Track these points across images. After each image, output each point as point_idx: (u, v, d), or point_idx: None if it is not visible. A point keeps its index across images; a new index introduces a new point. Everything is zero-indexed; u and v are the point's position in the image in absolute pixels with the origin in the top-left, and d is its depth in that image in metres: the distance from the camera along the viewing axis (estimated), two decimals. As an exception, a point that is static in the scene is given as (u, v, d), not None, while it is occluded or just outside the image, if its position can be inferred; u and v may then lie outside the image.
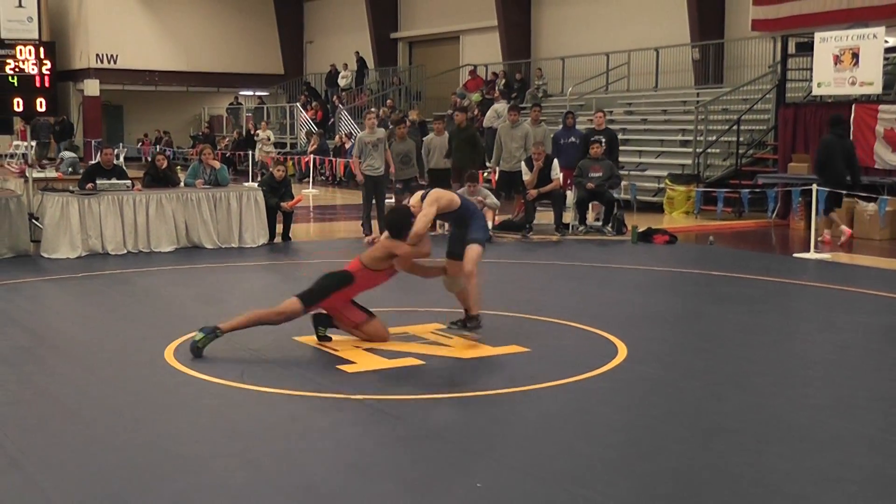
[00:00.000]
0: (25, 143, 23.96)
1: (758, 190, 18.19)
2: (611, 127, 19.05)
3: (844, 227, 15.40)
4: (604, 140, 17.44)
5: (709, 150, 21.29)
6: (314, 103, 36.46)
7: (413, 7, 37.23)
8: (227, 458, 5.78)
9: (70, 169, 27.74)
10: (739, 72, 24.46)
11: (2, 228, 13.90)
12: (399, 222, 8.62)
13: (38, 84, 15.12)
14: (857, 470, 5.58)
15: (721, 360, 8.26)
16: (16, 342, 8.82)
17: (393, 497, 5.19)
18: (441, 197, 8.74)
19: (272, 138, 31.43)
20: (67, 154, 30.72)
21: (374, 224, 16.19)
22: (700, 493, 5.27)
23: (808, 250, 14.14)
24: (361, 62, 37.42)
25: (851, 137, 16.88)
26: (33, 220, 14.60)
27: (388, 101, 33.27)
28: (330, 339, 8.56)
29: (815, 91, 18.82)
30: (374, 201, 16.23)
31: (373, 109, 20.02)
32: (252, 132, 33.15)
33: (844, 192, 15.31)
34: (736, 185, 19.14)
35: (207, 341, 8.07)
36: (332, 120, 34.87)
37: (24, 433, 6.25)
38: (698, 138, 21.50)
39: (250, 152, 30.82)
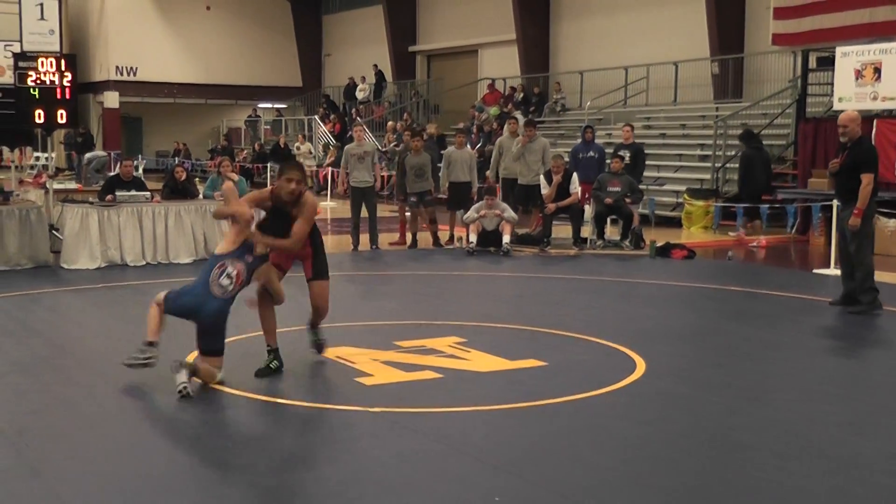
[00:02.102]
0: (46, 155, 24.07)
1: (777, 205, 18.13)
2: (636, 141, 18.96)
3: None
4: (629, 154, 17.41)
5: (728, 165, 21.23)
6: (332, 116, 36.54)
7: (431, 20, 37.29)
8: (245, 471, 5.78)
9: (97, 169, 27.89)
10: (759, 86, 24.41)
11: (22, 239, 13.96)
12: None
13: (59, 96, 15.22)
14: (877, 489, 5.54)
15: (740, 375, 8.22)
16: (35, 352, 8.85)
17: (411, 510, 5.18)
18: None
19: (312, 152, 31.35)
20: (98, 154, 30.84)
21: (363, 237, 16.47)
22: (719, 510, 5.25)
23: (828, 266, 14.08)
24: (380, 75, 37.49)
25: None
26: (53, 231, 14.66)
27: (406, 114, 33.30)
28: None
29: (837, 106, 18.73)
30: (361, 213, 16.52)
31: (360, 121, 20.13)
32: (283, 145, 32.91)
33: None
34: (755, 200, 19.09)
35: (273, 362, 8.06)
36: (349, 133, 34.90)
37: (44, 442, 6.27)
38: (717, 153, 21.46)
39: (268, 165, 30.85)
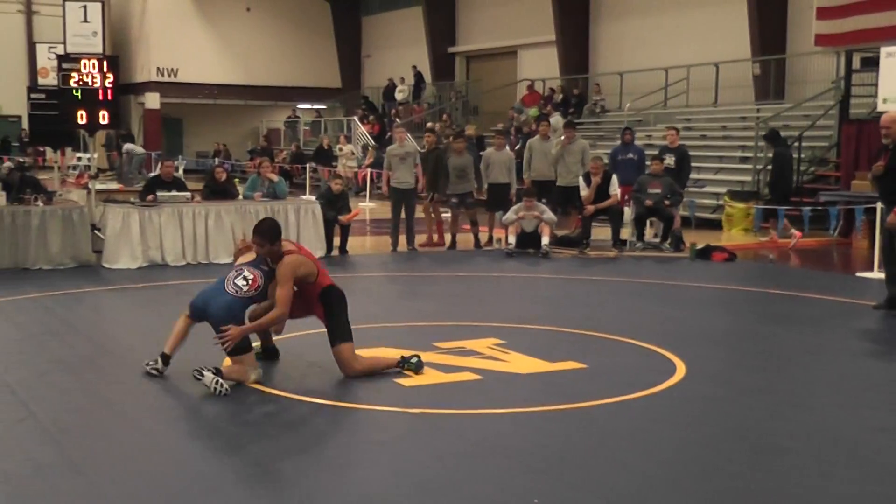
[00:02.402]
0: (88, 155, 24.31)
1: (819, 208, 17.99)
2: (681, 143, 18.82)
3: (795, 231, 17.04)
4: (674, 158, 17.34)
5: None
6: (371, 117, 36.61)
7: (471, 21, 37.28)
8: (283, 471, 5.79)
9: (135, 162, 28.15)
10: (801, 87, 24.22)
11: (65, 239, 14.07)
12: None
13: (101, 97, 15.36)
14: (923, 494, 5.49)
15: (781, 379, 8.16)
16: (78, 351, 8.93)
17: (450, 512, 5.18)
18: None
19: (355, 153, 31.38)
20: (136, 150, 31.11)
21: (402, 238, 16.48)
22: (761, 515, 5.21)
23: (871, 269, 13.94)
24: (419, 76, 37.53)
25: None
26: (95, 231, 14.76)
27: (445, 115, 33.30)
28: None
29: (881, 107, 18.53)
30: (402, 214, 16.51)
31: (398, 122, 20.13)
32: (326, 146, 32.89)
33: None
34: (797, 202, 18.94)
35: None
36: (389, 134, 34.97)
37: (87, 440, 6.32)
38: (758, 154, 21.30)
39: (308, 166, 30.91)
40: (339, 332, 7.90)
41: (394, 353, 8.24)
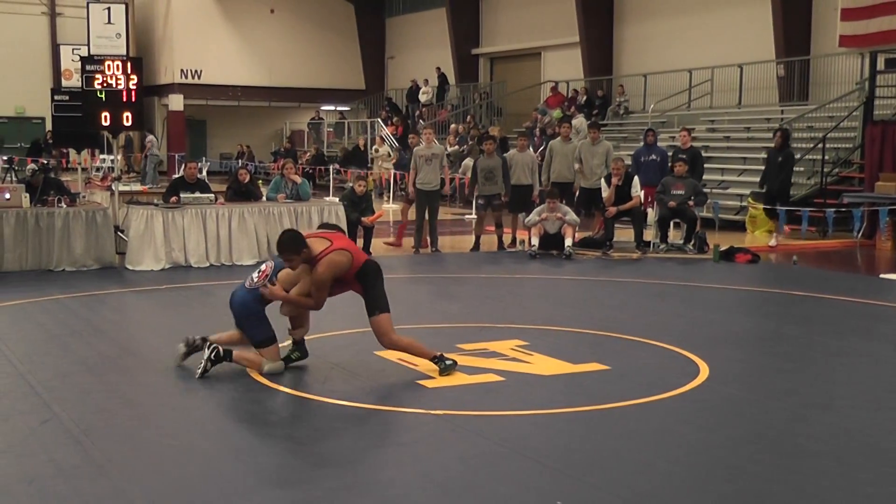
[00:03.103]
0: (111, 157, 24.41)
1: (843, 209, 17.89)
2: (694, 145, 18.79)
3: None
4: (687, 159, 17.30)
5: (793, 169, 20.97)
6: (395, 119, 36.63)
7: (495, 23, 37.25)
8: (306, 471, 5.80)
9: (155, 161, 28.34)
10: (825, 89, 24.11)
11: (88, 240, 14.14)
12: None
13: (124, 99, 15.38)
14: (948, 497, 5.45)
15: (805, 382, 8.11)
16: (101, 352, 8.96)
17: (472, 514, 5.17)
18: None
19: (392, 155, 31.40)
20: (153, 152, 31.41)
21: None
22: (784, 517, 5.19)
23: (895, 271, 13.86)
24: (443, 78, 37.52)
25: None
26: (119, 233, 14.84)
27: (469, 117, 33.29)
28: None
29: (906, 108, 18.49)
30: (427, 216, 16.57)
31: (423, 123, 20.10)
32: (362, 147, 32.81)
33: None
34: (821, 203, 18.85)
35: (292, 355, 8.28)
36: (411, 135, 34.96)
37: (110, 442, 6.34)
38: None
39: (331, 167, 30.93)
40: (377, 302, 7.97)
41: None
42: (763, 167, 19.35)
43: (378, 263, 8.24)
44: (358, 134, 38.19)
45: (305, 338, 8.38)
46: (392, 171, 28.02)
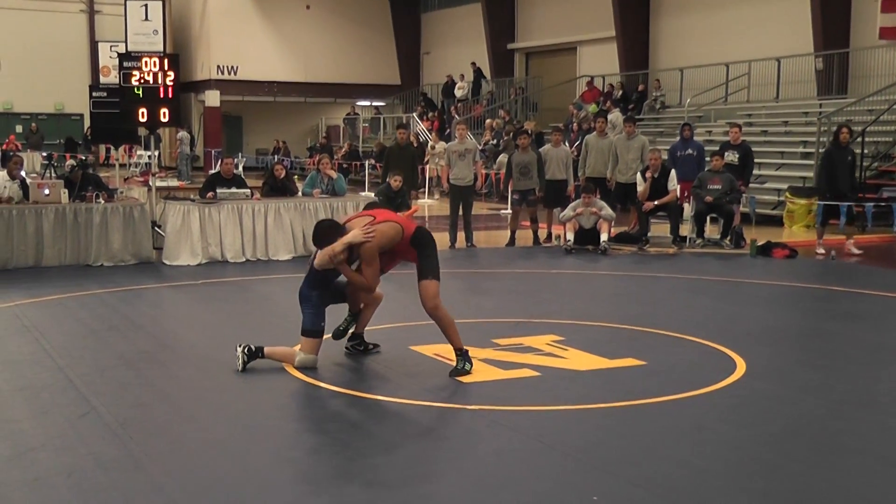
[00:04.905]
0: (149, 153, 24.58)
1: (882, 204, 17.71)
2: (745, 139, 18.44)
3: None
4: (738, 155, 17.14)
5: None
6: (430, 114, 36.61)
7: (530, 18, 37.17)
8: (341, 467, 5.81)
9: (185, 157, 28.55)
10: (865, 82, 23.87)
11: (126, 236, 14.23)
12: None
13: (161, 95, 15.48)
14: None
15: (844, 378, 8.04)
16: (139, 347, 9.02)
17: (508, 509, 5.16)
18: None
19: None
20: (185, 136, 31.60)
21: (460, 234, 16.49)
22: (823, 514, 5.15)
23: (935, 266, 13.72)
24: (478, 73, 37.47)
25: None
26: (156, 228, 14.92)
27: (501, 111, 33.18)
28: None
29: (946, 102, 18.27)
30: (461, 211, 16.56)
31: (458, 118, 20.04)
32: (415, 143, 32.66)
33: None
34: (860, 198, 18.68)
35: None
36: (448, 130, 34.95)
37: (147, 436, 6.38)
38: (820, 150, 21.02)
39: (366, 163, 30.91)
40: (428, 269, 8.02)
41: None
42: (809, 162, 19.21)
43: (430, 232, 8.29)
44: (394, 129, 38.10)
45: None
46: (445, 167, 27.92)
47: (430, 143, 31.28)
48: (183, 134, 34.27)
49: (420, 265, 8.04)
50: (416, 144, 30.13)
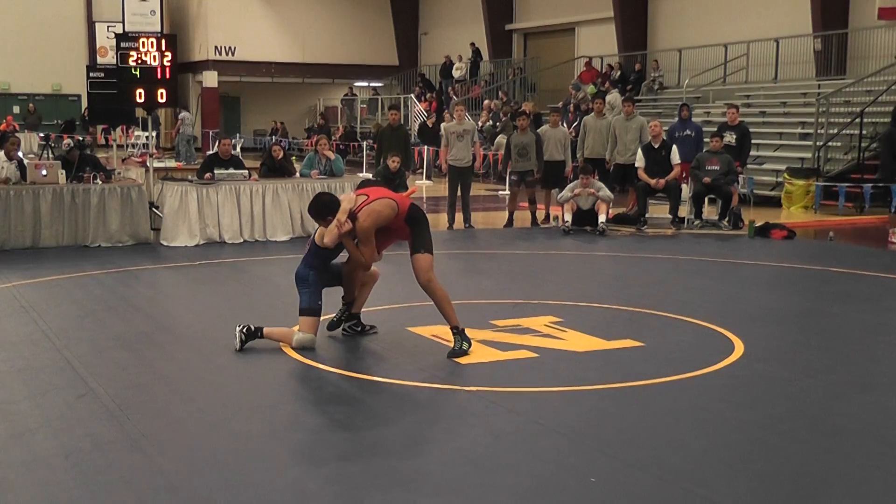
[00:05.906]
0: (147, 133, 24.52)
1: (881, 185, 17.70)
2: (742, 120, 18.40)
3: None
4: (734, 136, 17.12)
5: (830, 144, 20.80)
6: (428, 95, 36.53)
7: (528, -2, 37.10)
8: (337, 449, 5.81)
9: (186, 138, 28.44)
10: (863, 62, 23.82)
11: (123, 216, 14.21)
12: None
13: (159, 76, 15.43)
14: None
15: (843, 359, 8.03)
16: (136, 327, 9.01)
17: (507, 490, 5.16)
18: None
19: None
20: (187, 116, 31.45)
21: (458, 215, 16.47)
22: (820, 496, 5.15)
23: (933, 247, 13.72)
24: (476, 53, 37.39)
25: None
26: (153, 209, 14.90)
27: (501, 93, 33.13)
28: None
29: (945, 83, 18.21)
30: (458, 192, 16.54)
31: (456, 99, 20.00)
32: (430, 125, 32.60)
33: None
34: (858, 179, 18.66)
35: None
36: (445, 111, 34.85)
37: (145, 416, 6.37)
38: (819, 131, 21.01)
39: (364, 143, 30.82)
40: (421, 244, 8.06)
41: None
42: (807, 143, 19.07)
43: (423, 210, 8.34)
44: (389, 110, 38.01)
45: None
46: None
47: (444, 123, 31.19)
48: (185, 114, 34.16)
49: (413, 240, 8.07)
50: (430, 125, 30.13)
